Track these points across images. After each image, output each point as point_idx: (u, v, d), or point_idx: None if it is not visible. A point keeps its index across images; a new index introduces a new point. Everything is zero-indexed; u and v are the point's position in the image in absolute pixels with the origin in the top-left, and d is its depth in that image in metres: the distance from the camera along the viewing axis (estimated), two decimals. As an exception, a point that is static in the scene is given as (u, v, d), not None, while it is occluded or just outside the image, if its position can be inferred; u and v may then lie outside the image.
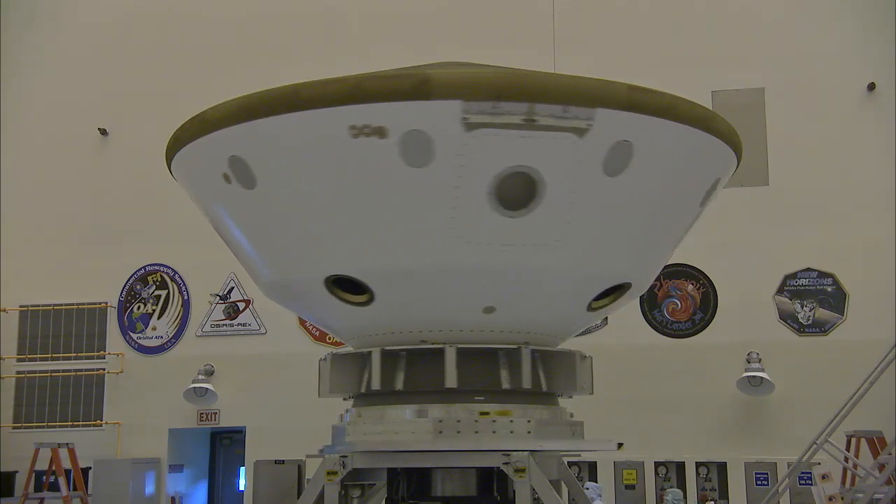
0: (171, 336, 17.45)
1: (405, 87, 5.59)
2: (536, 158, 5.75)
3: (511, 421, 6.61)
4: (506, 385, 6.71)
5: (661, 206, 6.57)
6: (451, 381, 6.51)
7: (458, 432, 6.54)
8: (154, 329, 17.52)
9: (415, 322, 6.70)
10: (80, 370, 17.50)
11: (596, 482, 14.94)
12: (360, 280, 6.41)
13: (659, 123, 5.90)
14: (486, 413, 6.63)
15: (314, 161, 5.98)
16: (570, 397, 7.35)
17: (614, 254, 6.62)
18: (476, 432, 6.56)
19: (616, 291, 7.02)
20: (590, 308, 6.89)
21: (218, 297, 17.18)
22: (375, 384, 6.69)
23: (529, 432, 6.60)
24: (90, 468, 16.51)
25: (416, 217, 5.98)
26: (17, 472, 16.66)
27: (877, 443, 13.50)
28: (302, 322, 16.68)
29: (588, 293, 6.88)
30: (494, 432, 6.56)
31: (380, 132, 5.65)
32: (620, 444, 6.71)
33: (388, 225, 6.06)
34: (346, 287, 6.58)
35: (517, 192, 5.84)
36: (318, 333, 16.65)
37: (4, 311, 17.76)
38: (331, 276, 6.49)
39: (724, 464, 15.39)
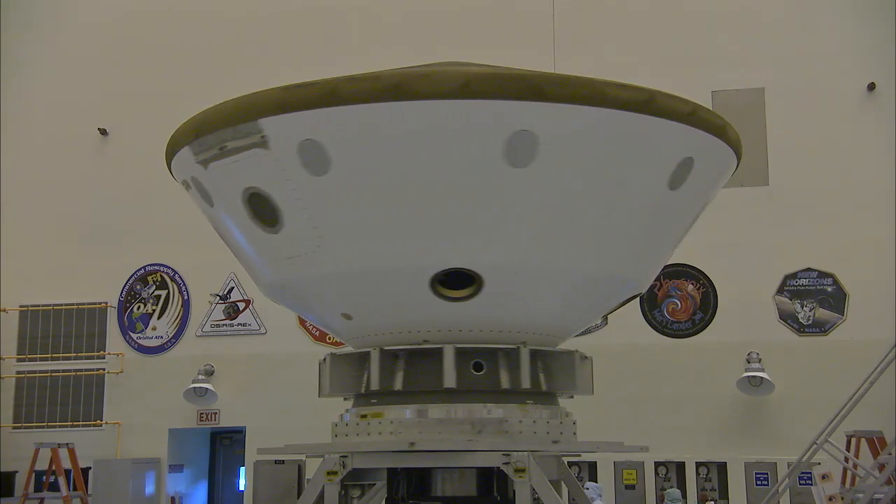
0: (171, 336, 17.45)
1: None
2: None
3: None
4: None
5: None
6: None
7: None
8: (154, 329, 17.52)
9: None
10: (80, 370, 17.50)
11: (596, 482, 14.94)
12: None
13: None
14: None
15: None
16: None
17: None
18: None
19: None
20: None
21: (218, 297, 17.18)
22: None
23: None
24: (90, 468, 16.51)
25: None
26: (16, 472, 16.67)
27: (877, 443, 13.50)
28: (302, 322, 16.69)
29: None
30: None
31: None
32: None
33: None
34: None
35: None
36: (318, 333, 16.65)
37: (4, 311, 17.76)
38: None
39: (725, 464, 15.39)
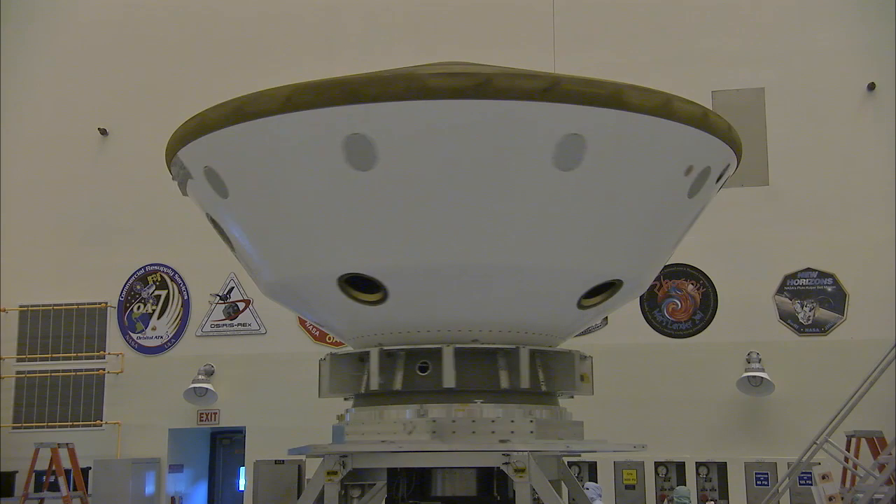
0: (170, 336, 17.44)
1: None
2: None
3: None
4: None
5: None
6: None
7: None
8: (154, 329, 17.51)
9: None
10: (80, 370, 17.49)
11: (596, 482, 14.94)
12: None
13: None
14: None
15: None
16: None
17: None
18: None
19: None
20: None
21: (218, 297, 17.18)
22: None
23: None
24: (90, 468, 16.50)
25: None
26: (16, 472, 16.65)
27: (877, 443, 13.51)
28: (302, 322, 16.68)
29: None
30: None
31: None
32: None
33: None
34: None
35: None
36: (318, 333, 16.65)
37: (4, 311, 17.75)
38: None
39: (725, 464, 15.38)
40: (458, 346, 6.59)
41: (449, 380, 6.51)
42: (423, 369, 6.68)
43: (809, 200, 15.92)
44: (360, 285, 6.59)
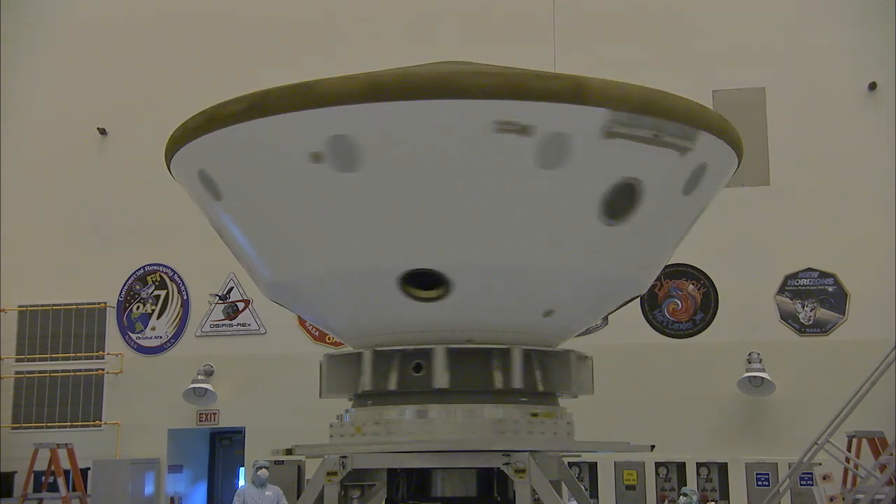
0: (170, 336, 17.43)
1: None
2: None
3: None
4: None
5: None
6: (441, 381, 6.49)
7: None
8: (153, 329, 17.50)
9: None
10: (80, 370, 17.48)
11: (596, 482, 14.93)
12: None
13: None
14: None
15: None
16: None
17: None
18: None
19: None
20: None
21: (217, 298, 17.17)
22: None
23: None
24: (89, 468, 16.49)
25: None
26: (15, 472, 16.64)
27: (878, 443, 13.51)
28: (302, 322, 16.67)
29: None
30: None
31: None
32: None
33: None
34: None
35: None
36: (318, 333, 16.64)
37: (3, 311, 17.74)
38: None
39: (725, 464, 15.37)
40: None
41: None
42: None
43: (810, 200, 15.91)
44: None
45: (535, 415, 6.77)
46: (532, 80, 5.69)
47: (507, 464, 6.34)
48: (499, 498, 6.85)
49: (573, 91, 5.66)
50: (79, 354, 17.54)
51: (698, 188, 6.37)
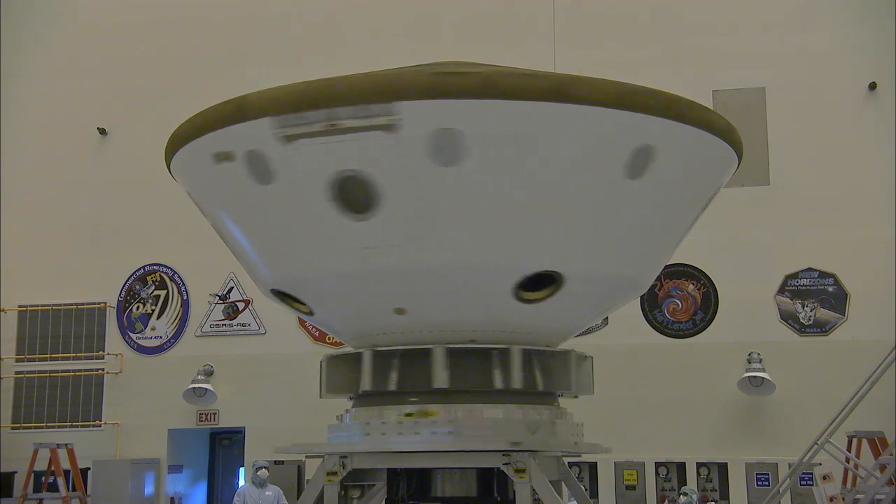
0: (170, 336, 17.43)
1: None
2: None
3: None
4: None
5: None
6: (440, 381, 6.49)
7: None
8: (153, 329, 17.50)
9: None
10: (79, 370, 17.47)
11: (596, 483, 14.91)
12: None
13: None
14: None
15: None
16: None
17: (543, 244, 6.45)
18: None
19: (550, 285, 6.56)
20: (520, 298, 6.54)
21: (217, 298, 17.16)
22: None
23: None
24: (89, 469, 16.48)
25: None
26: (15, 472, 16.63)
27: (878, 443, 13.50)
28: (302, 322, 16.66)
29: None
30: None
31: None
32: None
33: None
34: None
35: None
36: (317, 333, 16.63)
37: (3, 311, 17.73)
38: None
39: (725, 464, 15.36)
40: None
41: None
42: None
43: (810, 200, 15.91)
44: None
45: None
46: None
47: (507, 464, 6.34)
48: (499, 498, 6.85)
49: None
50: (79, 354, 17.54)
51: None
